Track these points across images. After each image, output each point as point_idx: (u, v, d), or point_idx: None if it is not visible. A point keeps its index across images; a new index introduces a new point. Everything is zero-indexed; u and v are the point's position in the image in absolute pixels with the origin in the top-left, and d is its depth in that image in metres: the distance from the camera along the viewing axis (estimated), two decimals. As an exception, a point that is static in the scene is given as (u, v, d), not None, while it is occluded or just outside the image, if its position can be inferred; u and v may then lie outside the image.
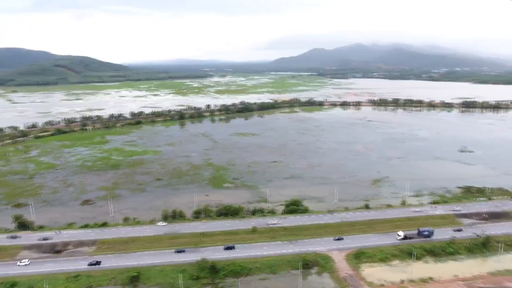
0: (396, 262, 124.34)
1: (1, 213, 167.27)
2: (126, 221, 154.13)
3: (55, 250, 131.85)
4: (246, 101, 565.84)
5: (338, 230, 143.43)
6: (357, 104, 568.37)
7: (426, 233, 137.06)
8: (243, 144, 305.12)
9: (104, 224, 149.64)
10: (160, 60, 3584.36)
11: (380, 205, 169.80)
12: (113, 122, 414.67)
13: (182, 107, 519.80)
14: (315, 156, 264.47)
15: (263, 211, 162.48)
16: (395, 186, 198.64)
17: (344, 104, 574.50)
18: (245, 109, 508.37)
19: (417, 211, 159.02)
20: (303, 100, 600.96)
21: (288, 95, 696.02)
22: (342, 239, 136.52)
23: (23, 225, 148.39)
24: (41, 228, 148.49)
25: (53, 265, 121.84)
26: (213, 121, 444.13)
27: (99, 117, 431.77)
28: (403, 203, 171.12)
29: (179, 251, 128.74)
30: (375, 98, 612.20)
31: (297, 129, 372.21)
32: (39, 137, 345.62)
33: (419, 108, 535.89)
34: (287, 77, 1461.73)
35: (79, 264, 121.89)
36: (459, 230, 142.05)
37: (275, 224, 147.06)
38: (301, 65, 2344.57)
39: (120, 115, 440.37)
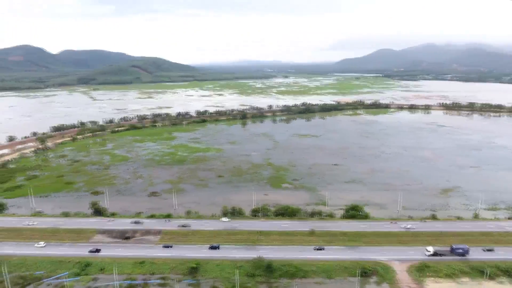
0: (465, 279, 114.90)
1: (82, 199, 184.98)
2: (188, 214, 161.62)
3: (125, 236, 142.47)
4: (308, 102, 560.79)
5: (401, 240, 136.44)
6: (427, 108, 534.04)
7: (460, 250, 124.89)
8: (304, 146, 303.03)
9: (168, 216, 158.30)
10: (226, 61, 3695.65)
11: (449, 217, 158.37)
12: (180, 120, 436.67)
13: (245, 107, 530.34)
14: (378, 161, 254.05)
15: (321, 214, 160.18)
16: (467, 197, 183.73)
17: (412, 107, 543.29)
18: (306, 110, 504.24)
19: (491, 226, 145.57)
20: (368, 102, 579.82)
21: (352, 97, 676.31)
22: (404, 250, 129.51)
23: (98, 211, 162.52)
24: (113, 215, 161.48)
25: (122, 250, 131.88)
26: (274, 121, 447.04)
27: (167, 115, 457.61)
28: (476, 216, 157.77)
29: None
30: (447, 102, 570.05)
31: (360, 132, 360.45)
32: (115, 131, 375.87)
33: (498, 114, 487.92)
34: (351, 78, 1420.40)
35: (145, 252, 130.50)
36: None
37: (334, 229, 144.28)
38: (367, 66, 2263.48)
39: (186, 113, 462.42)
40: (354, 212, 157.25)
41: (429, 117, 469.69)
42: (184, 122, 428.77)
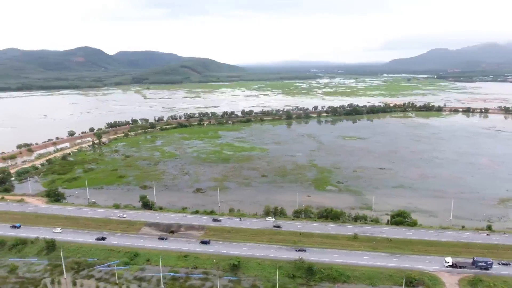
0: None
1: (132, 192, 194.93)
2: (231, 212, 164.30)
3: (170, 230, 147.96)
4: (355, 103, 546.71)
5: (451, 250, 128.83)
6: (484, 111, 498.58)
7: (482, 264, 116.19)
8: (349, 148, 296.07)
9: (212, 212, 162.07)
10: (272, 62, 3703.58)
11: (508, 229, 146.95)
12: (226, 119, 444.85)
13: (290, 108, 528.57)
14: (429, 166, 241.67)
15: (366, 218, 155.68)
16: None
17: (467, 111, 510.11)
18: (353, 112, 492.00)
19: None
20: (419, 104, 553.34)
21: (402, 99, 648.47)
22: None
23: (146, 205, 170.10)
24: (160, 209, 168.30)
25: (167, 243, 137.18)
26: (319, 122, 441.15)
27: (213, 114, 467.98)
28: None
29: (300, 250, 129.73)
30: (508, 105, 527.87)
31: (410, 136, 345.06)
32: (164, 129, 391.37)
33: None
34: (402, 79, 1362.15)
35: (189, 246, 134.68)
36: None
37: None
38: (419, 67, 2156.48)
39: (232, 113, 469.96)
40: (400, 219, 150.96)
41: (487, 121, 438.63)
42: (230, 121, 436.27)
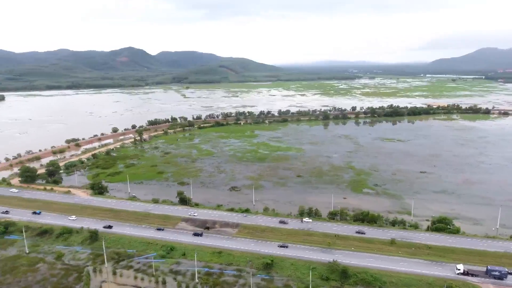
0: None
1: (170, 188, 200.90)
2: (266, 211, 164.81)
3: (206, 226, 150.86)
4: (395, 104, 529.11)
5: (498, 262, 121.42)
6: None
7: (497, 273, 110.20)
8: (389, 150, 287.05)
9: (247, 210, 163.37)
10: (310, 61, 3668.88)
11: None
12: (262, 119, 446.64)
13: (327, 108, 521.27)
14: (475, 171, 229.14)
15: (404, 223, 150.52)
16: None
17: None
18: (393, 113, 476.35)
19: None
20: (465, 106, 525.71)
21: (446, 100, 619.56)
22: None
23: (183, 201, 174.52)
24: (196, 205, 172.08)
25: (203, 239, 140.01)
26: (357, 123, 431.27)
27: (250, 113, 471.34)
28: None
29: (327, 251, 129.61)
30: None
31: (454, 139, 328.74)
32: (202, 127, 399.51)
33: None
34: (446, 80, 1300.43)
35: (223, 243, 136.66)
36: None
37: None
38: (465, 67, 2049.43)
39: (268, 112, 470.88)
40: (442, 225, 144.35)
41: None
42: (266, 121, 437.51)
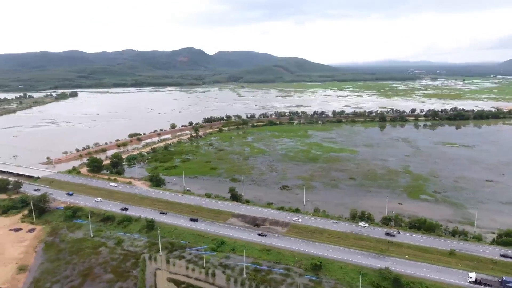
0: None
1: (222, 184, 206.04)
2: (316, 211, 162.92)
3: (255, 223, 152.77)
4: (460, 107, 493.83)
5: None
6: None
7: (511, 285, 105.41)
8: (451, 155, 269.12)
9: (297, 210, 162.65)
10: (368, 61, 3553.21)
11: None
12: (316, 119, 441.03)
13: (384, 109, 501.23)
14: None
15: (466, 234, 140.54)
16: None
17: None
18: (457, 116, 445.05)
19: None
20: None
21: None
22: None
23: (235, 197, 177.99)
24: (247, 202, 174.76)
25: (252, 236, 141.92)
26: (417, 126, 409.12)
27: (304, 113, 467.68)
28: None
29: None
30: None
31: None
32: (255, 126, 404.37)
33: None
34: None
35: (272, 240, 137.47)
36: None
37: None
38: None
39: (322, 113, 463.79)
40: (510, 239, 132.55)
41: None
42: (320, 121, 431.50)
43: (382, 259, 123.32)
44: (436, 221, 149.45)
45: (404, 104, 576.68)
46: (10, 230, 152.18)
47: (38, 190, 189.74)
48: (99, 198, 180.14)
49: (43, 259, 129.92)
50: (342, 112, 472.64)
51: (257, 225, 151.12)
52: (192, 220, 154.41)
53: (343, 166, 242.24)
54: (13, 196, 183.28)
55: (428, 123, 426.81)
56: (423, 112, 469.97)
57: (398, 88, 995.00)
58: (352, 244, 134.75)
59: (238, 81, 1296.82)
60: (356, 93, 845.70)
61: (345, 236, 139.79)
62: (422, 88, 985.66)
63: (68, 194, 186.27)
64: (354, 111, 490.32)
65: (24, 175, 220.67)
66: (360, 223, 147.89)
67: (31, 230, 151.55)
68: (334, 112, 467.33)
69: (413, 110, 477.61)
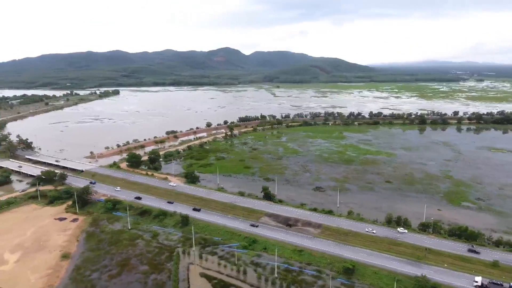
0: None
1: (255, 183, 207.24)
2: (350, 214, 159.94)
3: (288, 223, 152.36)
4: (508, 111, 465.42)
5: None
6: None
7: None
8: (496, 161, 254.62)
9: (330, 212, 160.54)
10: (407, 61, 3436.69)
11: None
12: (352, 120, 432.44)
13: (424, 112, 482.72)
14: None
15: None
16: None
17: None
18: (504, 120, 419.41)
19: None
20: None
21: None
22: None
23: (268, 196, 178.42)
24: (280, 201, 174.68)
25: (284, 235, 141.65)
26: (459, 130, 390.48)
27: (339, 114, 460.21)
28: None
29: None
30: None
31: None
32: (290, 126, 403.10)
33: None
34: None
35: (304, 241, 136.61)
36: None
37: None
38: None
39: (359, 114, 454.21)
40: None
41: None
42: (356, 123, 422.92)
43: (419, 266, 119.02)
44: (478, 229, 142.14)
45: (446, 107, 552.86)
46: (55, 219, 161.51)
47: (94, 183, 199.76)
48: (118, 188, 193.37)
49: (84, 248, 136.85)
50: (379, 113, 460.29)
51: (290, 225, 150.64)
52: (224, 217, 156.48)
53: (379, 169, 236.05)
54: (59, 187, 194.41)
55: (472, 126, 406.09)
56: (467, 115, 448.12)
57: (440, 89, 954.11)
58: (387, 249, 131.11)
59: (274, 81, 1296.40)
60: (394, 95, 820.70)
61: (379, 240, 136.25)
62: (466, 90, 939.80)
63: (116, 190, 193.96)
64: (392, 112, 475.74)
65: (69, 168, 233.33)
66: (398, 229, 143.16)
67: (74, 220, 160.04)
68: (371, 114, 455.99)
69: (455, 113, 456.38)
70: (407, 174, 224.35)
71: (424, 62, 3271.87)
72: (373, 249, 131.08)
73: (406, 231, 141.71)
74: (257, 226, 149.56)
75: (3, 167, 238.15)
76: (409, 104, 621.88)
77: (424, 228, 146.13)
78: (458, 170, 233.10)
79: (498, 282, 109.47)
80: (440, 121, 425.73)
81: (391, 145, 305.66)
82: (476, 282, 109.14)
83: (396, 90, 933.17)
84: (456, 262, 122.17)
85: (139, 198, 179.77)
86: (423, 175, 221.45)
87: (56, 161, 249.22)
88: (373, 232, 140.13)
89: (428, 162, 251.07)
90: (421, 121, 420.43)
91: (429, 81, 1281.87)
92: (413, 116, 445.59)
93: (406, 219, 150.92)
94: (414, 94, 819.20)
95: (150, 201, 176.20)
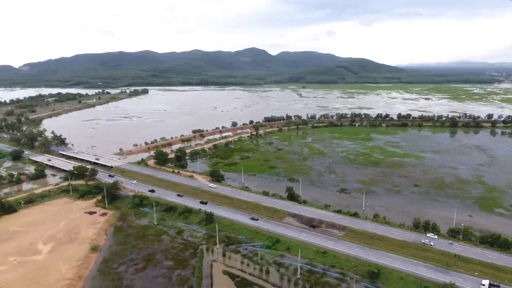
0: None
1: (280, 183, 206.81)
2: (375, 217, 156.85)
3: (312, 224, 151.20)
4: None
5: None
6: None
7: None
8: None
9: (355, 214, 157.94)
10: (439, 62, 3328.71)
11: None
12: (379, 122, 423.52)
13: (456, 114, 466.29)
14: None
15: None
16: None
17: None
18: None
19: None
20: None
21: None
22: None
23: (292, 197, 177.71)
24: (304, 202, 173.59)
25: (308, 236, 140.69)
26: (493, 133, 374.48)
27: (366, 116, 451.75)
28: None
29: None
30: None
31: None
32: (315, 127, 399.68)
33: None
34: None
35: (328, 243, 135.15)
36: None
37: None
38: None
39: (387, 116, 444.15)
40: None
41: None
42: (383, 124, 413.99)
43: (447, 274, 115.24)
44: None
45: (479, 109, 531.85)
46: (86, 213, 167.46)
47: (132, 182, 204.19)
48: (135, 181, 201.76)
49: (112, 241, 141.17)
50: (408, 115, 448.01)
51: (313, 226, 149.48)
52: (251, 219, 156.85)
53: (407, 172, 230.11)
54: (89, 182, 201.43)
55: (508, 130, 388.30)
56: (502, 118, 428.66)
57: (473, 91, 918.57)
58: (413, 254, 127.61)
59: (300, 81, 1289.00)
60: (424, 96, 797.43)
61: (406, 245, 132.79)
62: (501, 92, 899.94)
63: (132, 183, 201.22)
64: (422, 114, 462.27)
65: (100, 163, 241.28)
66: (428, 234, 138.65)
67: (103, 214, 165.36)
68: (399, 115, 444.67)
69: (489, 116, 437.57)
70: (437, 178, 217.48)
71: (456, 63, 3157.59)
72: (399, 253, 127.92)
73: (436, 237, 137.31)
74: (257, 220, 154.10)
75: (38, 161, 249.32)
76: (440, 106, 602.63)
77: (453, 234, 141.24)
78: (491, 175, 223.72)
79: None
80: (473, 124, 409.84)
81: (420, 148, 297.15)
82: (483, 285, 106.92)
83: (426, 92, 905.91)
84: (487, 270, 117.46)
85: (152, 191, 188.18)
86: (453, 180, 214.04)
87: (94, 157, 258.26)
88: (430, 245, 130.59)
89: (459, 166, 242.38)
90: (452, 124, 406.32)
91: (461, 83, 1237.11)
92: (444, 118, 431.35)
93: (435, 224, 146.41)
94: (445, 96, 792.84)
95: (175, 198, 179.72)
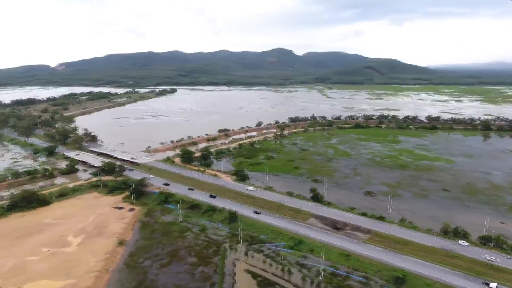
0: None
1: (304, 184, 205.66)
2: (402, 221, 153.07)
3: (336, 226, 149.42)
4: None
5: None
6: None
7: None
8: None
9: (380, 218, 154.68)
10: (472, 63, 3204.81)
11: None
12: (407, 124, 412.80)
13: (490, 117, 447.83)
14: None
15: None
16: None
17: None
18: None
19: None
20: None
21: None
22: None
23: (316, 198, 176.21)
24: (328, 204, 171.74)
25: (331, 238, 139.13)
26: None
27: (394, 117, 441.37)
28: None
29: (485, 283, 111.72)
30: None
31: None
32: (341, 128, 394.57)
33: None
34: None
35: (352, 246, 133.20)
36: None
37: None
38: None
39: (415, 118, 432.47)
40: None
41: None
42: (412, 127, 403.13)
43: (477, 282, 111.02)
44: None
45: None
46: (114, 208, 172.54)
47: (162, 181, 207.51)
48: (152, 175, 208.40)
49: (138, 236, 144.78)
50: (439, 117, 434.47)
51: (338, 229, 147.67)
52: (271, 216, 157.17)
53: (436, 176, 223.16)
54: (118, 178, 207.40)
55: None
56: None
57: (509, 93, 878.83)
58: (441, 261, 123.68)
59: (326, 82, 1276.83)
60: (456, 98, 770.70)
61: (433, 251, 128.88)
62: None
63: (149, 176, 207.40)
64: (453, 117, 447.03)
65: (128, 160, 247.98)
66: (459, 241, 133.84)
67: (131, 210, 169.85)
68: (428, 118, 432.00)
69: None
70: (468, 183, 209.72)
71: (490, 64, 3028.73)
72: (426, 259, 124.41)
73: (467, 244, 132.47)
74: (259, 213, 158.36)
75: (70, 157, 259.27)
76: (472, 108, 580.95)
77: (484, 241, 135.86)
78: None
79: None
80: (508, 127, 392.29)
81: (451, 152, 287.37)
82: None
83: (458, 94, 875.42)
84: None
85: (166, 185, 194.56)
86: (486, 185, 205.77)
87: (123, 153, 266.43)
88: (494, 260, 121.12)
89: (492, 172, 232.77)
90: (485, 127, 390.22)
91: (496, 84, 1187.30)
92: (476, 121, 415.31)
93: (465, 230, 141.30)
94: (478, 98, 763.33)
95: (198, 195, 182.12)
